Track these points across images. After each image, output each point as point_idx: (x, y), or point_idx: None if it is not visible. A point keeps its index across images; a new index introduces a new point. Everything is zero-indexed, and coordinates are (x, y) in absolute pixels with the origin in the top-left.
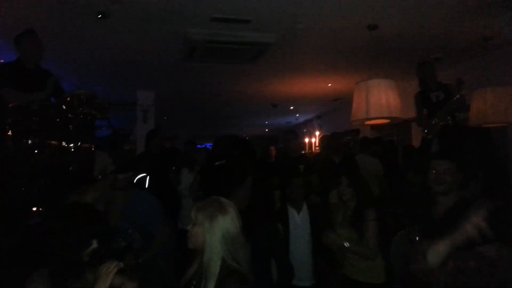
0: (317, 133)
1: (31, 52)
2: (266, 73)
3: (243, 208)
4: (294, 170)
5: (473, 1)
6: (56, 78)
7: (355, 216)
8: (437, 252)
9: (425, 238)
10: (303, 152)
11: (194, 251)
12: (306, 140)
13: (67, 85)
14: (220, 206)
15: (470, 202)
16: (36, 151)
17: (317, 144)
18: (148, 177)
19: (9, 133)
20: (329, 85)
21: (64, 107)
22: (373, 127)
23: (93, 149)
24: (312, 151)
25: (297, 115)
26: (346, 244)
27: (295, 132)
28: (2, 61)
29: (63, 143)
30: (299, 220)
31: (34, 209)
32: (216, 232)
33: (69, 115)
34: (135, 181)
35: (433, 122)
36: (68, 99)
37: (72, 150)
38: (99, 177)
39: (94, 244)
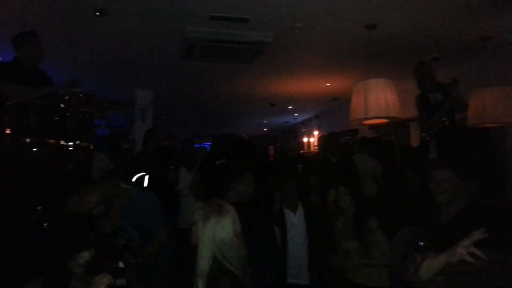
0: (316, 132)
1: (33, 54)
2: (265, 73)
3: (245, 202)
4: (292, 170)
5: (472, 1)
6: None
7: (357, 226)
8: (431, 268)
9: (432, 246)
10: (301, 151)
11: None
12: (305, 139)
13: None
14: (217, 208)
15: (477, 207)
16: (34, 150)
17: (315, 144)
18: (146, 177)
19: (7, 131)
20: (328, 84)
21: (62, 105)
22: (371, 126)
23: (91, 148)
24: (310, 151)
25: (296, 114)
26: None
27: (294, 131)
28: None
29: (61, 142)
30: (295, 220)
31: (32, 207)
32: (208, 231)
33: (68, 114)
34: (133, 180)
35: (430, 123)
36: (67, 97)
37: (71, 149)
38: (100, 181)
39: (86, 256)
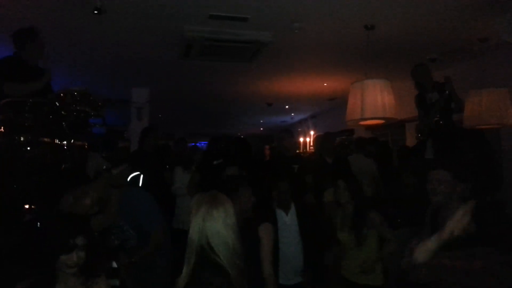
0: (312, 132)
1: (36, 50)
2: (262, 72)
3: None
4: (288, 170)
5: (470, 2)
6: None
7: (355, 220)
8: (424, 249)
9: None
10: (298, 151)
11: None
12: (301, 139)
13: (62, 81)
14: (210, 199)
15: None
16: (28, 148)
17: (311, 144)
18: (142, 176)
19: (1, 129)
20: (325, 84)
21: (57, 104)
22: (367, 127)
23: (86, 146)
24: (307, 151)
25: (292, 114)
26: None
27: (290, 131)
28: None
29: (56, 141)
30: (288, 220)
31: (27, 206)
32: (197, 220)
33: (62, 112)
34: (128, 179)
35: (423, 123)
36: (62, 95)
37: (65, 147)
38: (94, 176)
39: (73, 257)
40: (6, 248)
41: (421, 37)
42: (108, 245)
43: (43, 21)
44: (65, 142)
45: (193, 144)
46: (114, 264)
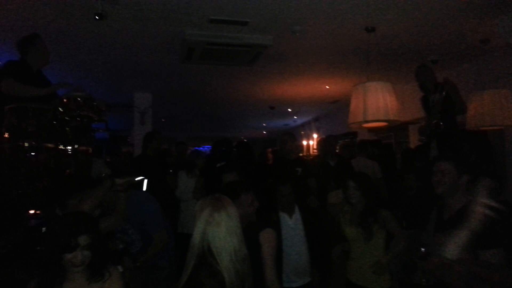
0: (315, 135)
1: (41, 56)
2: (264, 75)
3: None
4: (291, 173)
5: (471, 4)
6: (62, 84)
7: (365, 216)
8: (457, 242)
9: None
10: (300, 154)
11: None
12: (304, 142)
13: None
14: (215, 202)
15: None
16: (32, 154)
17: (315, 147)
18: (145, 180)
19: (6, 135)
20: (327, 87)
21: (60, 109)
22: (370, 129)
23: (90, 151)
24: (310, 154)
25: (295, 117)
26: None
27: (293, 134)
28: None
29: (60, 146)
30: (292, 224)
31: (32, 212)
32: (199, 223)
33: (66, 118)
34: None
35: (425, 125)
36: (65, 101)
37: (69, 152)
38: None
39: (78, 255)
40: (12, 250)
41: (422, 38)
42: (113, 248)
43: (45, 26)
44: (69, 148)
45: (196, 148)
46: (120, 269)
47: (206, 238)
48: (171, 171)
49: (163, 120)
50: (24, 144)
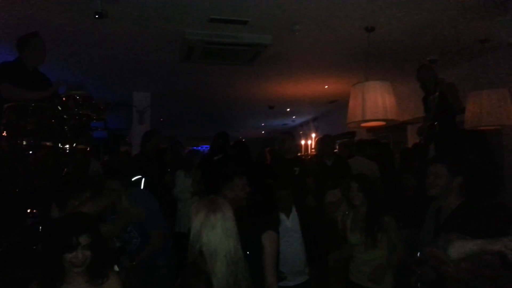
0: (313, 135)
1: (36, 55)
2: (263, 75)
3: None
4: (289, 172)
5: (470, 4)
6: (59, 83)
7: (369, 222)
8: (462, 247)
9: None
10: (299, 154)
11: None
12: (302, 142)
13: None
14: (208, 204)
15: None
16: (31, 152)
17: (313, 147)
18: (143, 179)
19: (4, 133)
20: (326, 87)
21: (59, 108)
22: (369, 129)
23: (88, 150)
24: (308, 153)
25: (294, 117)
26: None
27: (291, 134)
28: None
29: (58, 144)
30: (289, 224)
31: (29, 210)
32: (195, 226)
33: (65, 116)
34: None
35: (422, 125)
36: (64, 99)
37: (68, 151)
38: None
39: (79, 256)
40: (11, 248)
41: (422, 38)
42: (110, 247)
43: (45, 25)
44: (67, 146)
45: (194, 147)
46: (116, 268)
47: (200, 241)
48: (169, 170)
49: (161, 120)
50: (22, 142)
